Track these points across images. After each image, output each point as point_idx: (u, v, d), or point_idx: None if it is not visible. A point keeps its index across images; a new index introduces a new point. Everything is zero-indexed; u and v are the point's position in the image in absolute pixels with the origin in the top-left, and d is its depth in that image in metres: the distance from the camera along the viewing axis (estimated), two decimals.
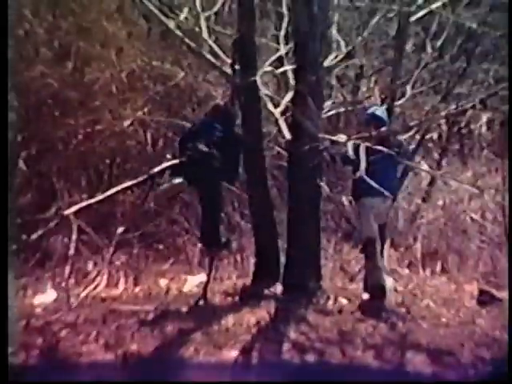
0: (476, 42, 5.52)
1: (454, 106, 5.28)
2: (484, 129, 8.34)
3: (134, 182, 5.77)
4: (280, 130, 5.83)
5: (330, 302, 5.33)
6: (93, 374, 4.45)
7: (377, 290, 5.27)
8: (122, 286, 5.97)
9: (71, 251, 4.98)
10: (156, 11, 6.00)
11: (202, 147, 5.29)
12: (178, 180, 5.33)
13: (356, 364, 4.38)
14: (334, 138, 5.17)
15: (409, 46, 6.19)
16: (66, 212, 5.11)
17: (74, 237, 4.97)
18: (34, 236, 5.46)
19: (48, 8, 6.75)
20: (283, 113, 5.81)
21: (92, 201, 5.46)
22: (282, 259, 5.68)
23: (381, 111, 5.34)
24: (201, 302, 5.40)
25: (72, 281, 5.60)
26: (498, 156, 7.65)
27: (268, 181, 5.93)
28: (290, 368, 4.42)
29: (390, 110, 5.27)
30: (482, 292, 5.46)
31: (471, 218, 6.81)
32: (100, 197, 5.58)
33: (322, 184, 5.71)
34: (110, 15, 6.89)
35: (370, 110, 5.53)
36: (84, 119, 6.81)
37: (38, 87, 6.63)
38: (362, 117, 5.59)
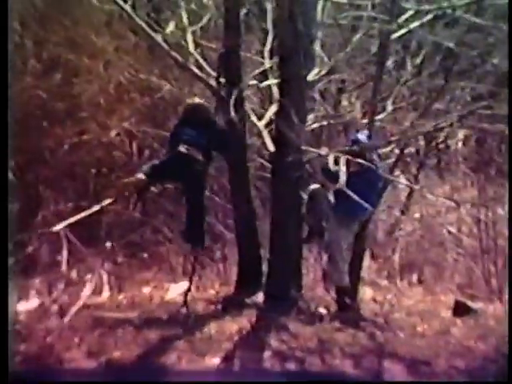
0: (454, 60, 5.67)
1: (432, 123, 5.40)
2: (460, 144, 8.54)
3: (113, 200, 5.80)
4: (264, 142, 5.94)
5: (311, 312, 5.43)
6: (76, 381, 4.49)
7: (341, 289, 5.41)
8: (106, 293, 6.02)
9: (63, 266, 5.03)
10: (143, 25, 6.10)
11: (183, 148, 5.36)
12: (139, 175, 5.39)
13: (335, 372, 4.43)
14: (316, 150, 5.29)
15: (389, 63, 6.30)
16: (55, 229, 5.16)
17: (65, 252, 5.01)
18: (21, 247, 5.47)
19: (38, 21, 6.84)
20: (267, 125, 5.94)
21: (79, 216, 5.49)
22: (265, 269, 5.76)
23: (364, 136, 5.48)
24: (182, 310, 5.46)
25: (58, 288, 5.65)
26: (474, 171, 7.85)
27: (251, 192, 6.02)
28: (271, 376, 4.46)
29: (370, 125, 5.38)
30: (457, 303, 5.57)
31: (448, 231, 6.96)
32: (85, 213, 5.60)
33: (304, 196, 5.83)
34: (98, 29, 6.99)
35: (353, 136, 5.68)
36: (71, 130, 6.90)
37: (26, 98, 6.70)
38: (347, 142, 5.73)
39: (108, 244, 5.88)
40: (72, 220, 5.48)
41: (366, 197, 4.87)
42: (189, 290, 5.63)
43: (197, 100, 5.91)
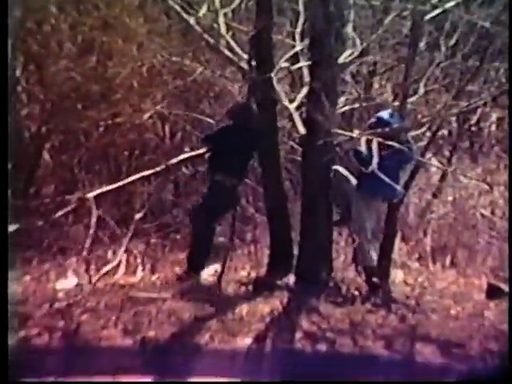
0: (489, 40, 5.58)
1: (465, 104, 5.34)
2: (494, 126, 8.41)
3: (152, 171, 5.98)
4: (294, 125, 5.95)
5: (342, 294, 5.47)
6: (111, 358, 4.62)
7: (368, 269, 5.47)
8: (139, 273, 6.13)
9: (90, 234, 5.15)
10: (177, 7, 6.15)
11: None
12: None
13: (366, 354, 4.48)
14: (347, 133, 5.29)
15: (422, 45, 6.24)
16: (88, 195, 5.32)
17: (93, 220, 5.14)
18: (55, 220, 5.60)
19: (73, 4, 6.91)
20: (298, 108, 5.94)
21: (112, 186, 5.66)
22: (295, 251, 5.80)
23: (387, 114, 5.45)
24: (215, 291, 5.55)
25: (92, 267, 5.78)
26: (507, 153, 7.74)
27: (282, 174, 6.05)
28: (302, 356, 4.53)
29: (402, 108, 5.34)
30: (490, 286, 5.58)
31: (481, 214, 6.89)
32: (120, 183, 5.78)
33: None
34: (132, 12, 7.02)
35: (376, 115, 5.65)
36: (105, 112, 6.96)
37: (61, 81, 6.79)
38: (368, 122, 5.71)
39: (138, 215, 5.97)
40: (105, 189, 5.64)
41: (394, 178, 4.87)
42: (222, 273, 5.71)
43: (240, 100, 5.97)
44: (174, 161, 6.15)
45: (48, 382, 4.33)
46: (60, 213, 5.65)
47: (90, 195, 5.48)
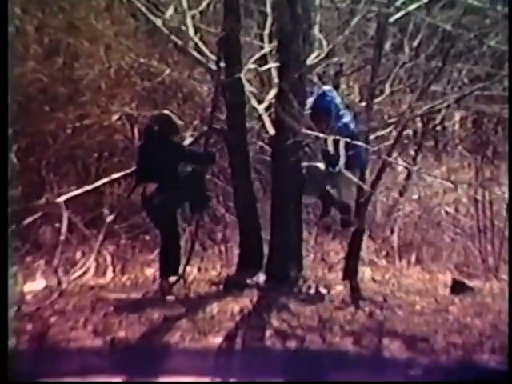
0: (451, 42, 5.72)
1: (429, 105, 5.45)
2: (457, 126, 8.60)
3: (122, 173, 5.97)
4: (264, 126, 6.01)
5: (311, 291, 5.51)
6: (81, 360, 4.60)
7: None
8: (109, 274, 6.12)
9: (61, 237, 5.12)
10: (143, 9, 6.14)
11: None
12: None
13: (335, 350, 4.55)
14: (315, 133, 5.35)
15: (387, 46, 6.35)
16: (57, 200, 5.28)
17: (64, 224, 5.11)
18: (24, 223, 5.54)
19: (38, 5, 6.86)
20: (267, 109, 6.00)
21: (81, 190, 5.64)
22: (265, 250, 5.85)
23: (329, 96, 5.71)
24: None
25: (61, 269, 5.73)
26: (471, 152, 7.93)
27: (251, 174, 6.09)
28: (272, 354, 4.58)
29: (368, 108, 5.44)
30: (454, 281, 5.65)
31: (445, 211, 7.02)
32: (89, 187, 5.77)
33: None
34: (98, 13, 7.02)
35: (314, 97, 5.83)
36: (73, 114, 6.94)
37: (28, 83, 6.74)
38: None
39: (109, 217, 5.94)
40: (75, 193, 5.60)
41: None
42: (184, 271, 5.69)
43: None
44: None
45: (48, 382, 4.34)
46: (30, 219, 5.58)
47: (60, 200, 5.45)
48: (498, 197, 6.37)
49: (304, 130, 5.14)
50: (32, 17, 6.83)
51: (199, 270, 6.09)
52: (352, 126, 5.68)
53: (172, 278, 5.57)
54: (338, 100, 5.89)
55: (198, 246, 6.03)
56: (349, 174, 4.89)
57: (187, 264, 5.79)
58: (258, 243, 5.91)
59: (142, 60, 7.19)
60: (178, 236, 5.65)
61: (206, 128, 6.04)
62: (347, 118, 5.76)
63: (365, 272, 5.96)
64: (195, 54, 6.06)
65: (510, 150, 6.23)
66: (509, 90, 5.00)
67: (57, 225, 5.59)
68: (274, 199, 5.81)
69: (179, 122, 5.67)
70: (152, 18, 6.09)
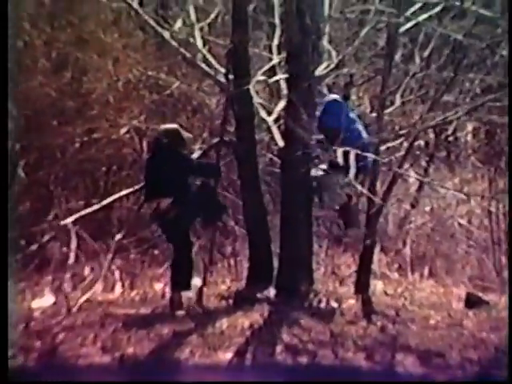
0: (462, 52, 5.67)
1: (441, 116, 5.40)
2: (470, 137, 8.52)
3: (131, 190, 5.94)
4: (273, 138, 5.97)
5: (322, 305, 5.45)
6: (90, 377, 4.55)
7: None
8: (118, 290, 6.07)
9: (71, 260, 5.09)
10: (151, 22, 6.15)
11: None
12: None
13: (347, 365, 4.49)
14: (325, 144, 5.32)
15: (397, 56, 6.32)
16: (64, 222, 5.26)
17: (73, 245, 5.08)
18: (33, 244, 5.53)
19: (46, 20, 6.89)
20: (276, 120, 5.97)
21: (89, 210, 5.60)
22: (275, 263, 5.79)
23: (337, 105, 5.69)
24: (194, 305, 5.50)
25: (70, 285, 5.70)
26: (484, 163, 7.85)
27: (261, 187, 6.05)
28: (283, 369, 4.51)
29: (379, 119, 5.39)
30: (469, 295, 5.59)
31: (458, 223, 6.94)
32: (96, 206, 5.75)
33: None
34: (106, 27, 7.03)
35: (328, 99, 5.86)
36: (81, 128, 6.93)
37: (36, 97, 6.74)
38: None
39: (118, 236, 5.90)
40: (83, 213, 5.60)
41: None
42: (202, 287, 5.66)
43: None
44: None
45: (47, 382, 4.29)
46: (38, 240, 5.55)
47: (69, 221, 5.42)
48: None
49: (313, 142, 5.10)
50: (40, 31, 6.85)
51: (209, 284, 6.01)
52: (364, 135, 5.61)
53: (185, 293, 5.51)
54: (347, 109, 5.82)
55: (206, 260, 5.95)
56: (358, 186, 4.80)
57: (205, 277, 5.75)
58: (268, 257, 5.86)
59: (150, 73, 7.20)
60: (190, 250, 5.62)
61: (215, 140, 6.01)
62: (359, 127, 5.69)
63: (377, 285, 5.90)
64: (204, 66, 6.05)
65: (509, 150, 6.14)
66: (508, 96, 4.96)
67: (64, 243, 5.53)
68: (283, 211, 5.77)
69: (187, 135, 5.63)
70: (160, 30, 6.10)
